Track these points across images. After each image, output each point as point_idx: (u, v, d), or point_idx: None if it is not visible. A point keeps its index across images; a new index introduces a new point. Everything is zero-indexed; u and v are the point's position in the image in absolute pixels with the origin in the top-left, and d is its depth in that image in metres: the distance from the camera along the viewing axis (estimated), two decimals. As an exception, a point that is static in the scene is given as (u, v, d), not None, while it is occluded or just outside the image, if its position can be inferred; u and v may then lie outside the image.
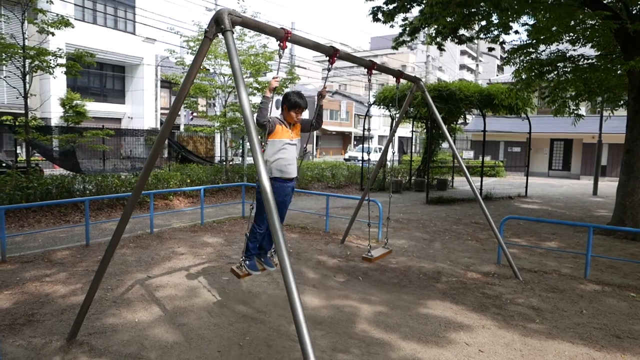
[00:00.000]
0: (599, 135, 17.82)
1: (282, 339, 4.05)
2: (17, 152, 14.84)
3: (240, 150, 17.76)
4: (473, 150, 29.22)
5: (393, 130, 7.46)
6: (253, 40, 14.41)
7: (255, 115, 3.75)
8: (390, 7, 10.60)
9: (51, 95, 19.12)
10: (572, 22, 9.29)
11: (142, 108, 27.66)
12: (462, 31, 11.29)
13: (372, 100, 16.86)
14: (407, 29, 11.34)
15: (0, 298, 4.82)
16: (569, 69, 10.77)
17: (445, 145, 23.17)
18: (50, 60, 10.33)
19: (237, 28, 4.66)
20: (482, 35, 11.26)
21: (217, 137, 24.19)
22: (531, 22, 10.81)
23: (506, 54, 10.97)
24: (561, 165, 27.34)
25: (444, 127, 6.48)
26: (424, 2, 9.79)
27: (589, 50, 10.91)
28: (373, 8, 10.89)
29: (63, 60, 10.86)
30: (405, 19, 11.47)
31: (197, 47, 3.32)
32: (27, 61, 10.13)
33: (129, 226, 7.67)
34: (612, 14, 8.28)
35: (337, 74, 58.55)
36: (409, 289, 5.54)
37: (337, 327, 4.34)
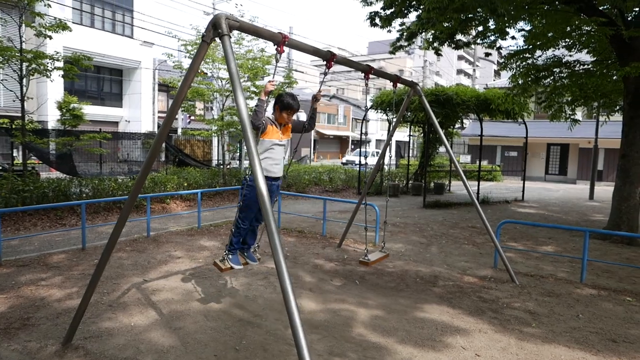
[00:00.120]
0: (595, 140, 17.91)
1: (279, 342, 4.05)
2: (14, 155, 14.81)
3: (238, 154, 17.76)
4: (470, 155, 29.28)
5: (390, 135, 7.48)
6: (251, 45, 14.44)
7: (250, 117, 3.80)
8: (388, 12, 10.65)
9: (48, 99, 19.08)
10: (568, 28, 9.36)
11: (139, 111, 27.65)
12: (459, 36, 11.34)
13: (369, 104, 16.91)
14: (405, 34, 11.38)
15: (-4, 302, 4.80)
16: (565, 75, 10.83)
17: (442, 149, 23.24)
18: (48, 63, 10.32)
19: (235, 32, 4.68)
20: (479, 41, 11.32)
21: (215, 140, 24.22)
22: (527, 27, 10.88)
23: (503, 59, 11.03)
24: (558, 169, 27.44)
25: (441, 132, 6.51)
26: (421, 7, 9.83)
27: (584, 56, 10.98)
28: (371, 13, 10.93)
29: (60, 64, 10.85)
30: (402, 24, 11.52)
31: (195, 51, 3.33)
32: (24, 64, 10.12)
33: (126, 229, 7.66)
34: (608, 21, 8.34)
35: (334, 78, 58.77)
36: (406, 292, 5.54)
37: (334, 331, 4.33)
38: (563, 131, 16.23)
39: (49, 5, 10.41)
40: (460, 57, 75.94)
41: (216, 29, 3.07)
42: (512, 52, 10.53)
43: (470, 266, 6.84)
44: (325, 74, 4.37)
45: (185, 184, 12.36)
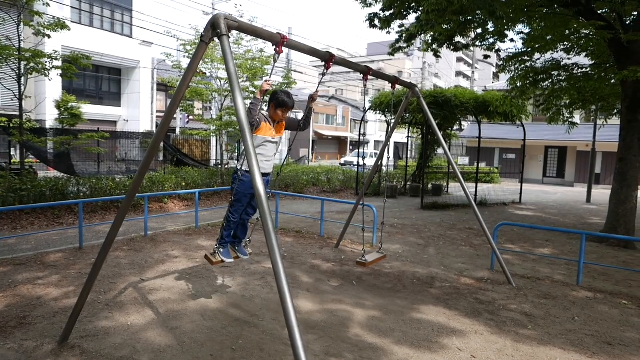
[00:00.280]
0: (593, 143, 17.96)
1: (275, 342, 4.05)
2: (11, 154, 14.78)
3: (236, 154, 17.75)
4: (468, 157, 29.36)
5: (388, 136, 7.49)
6: (250, 45, 14.44)
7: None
8: (387, 13, 10.66)
9: (46, 97, 19.06)
10: (567, 32, 9.40)
11: (138, 111, 27.63)
12: (458, 38, 11.36)
13: (368, 105, 16.92)
14: (404, 35, 11.40)
15: (-8, 300, 4.79)
16: (563, 78, 10.87)
17: (440, 151, 23.28)
18: (46, 62, 10.30)
19: (234, 32, 4.69)
20: (477, 43, 11.35)
21: (213, 140, 24.22)
22: (526, 30, 10.92)
23: (502, 62, 11.06)
24: (555, 172, 27.50)
25: (439, 133, 6.52)
26: (421, 9, 9.85)
27: (583, 59, 11.03)
28: (370, 14, 10.94)
29: (59, 63, 10.84)
30: (401, 25, 11.53)
31: (194, 50, 3.34)
32: (23, 63, 10.11)
33: (123, 229, 7.65)
34: (606, 24, 8.37)
35: (333, 79, 58.80)
36: (403, 294, 5.55)
37: (330, 331, 4.34)
38: (561, 134, 16.29)
39: (48, 4, 10.41)
40: (459, 59, 76.09)
41: (215, 29, 3.07)
42: (511, 54, 10.56)
43: (467, 268, 6.85)
44: (323, 74, 4.39)
45: (183, 184, 12.36)
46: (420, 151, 17.84)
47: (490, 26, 10.38)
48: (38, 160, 15.92)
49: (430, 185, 16.94)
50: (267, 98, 4.69)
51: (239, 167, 4.36)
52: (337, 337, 4.21)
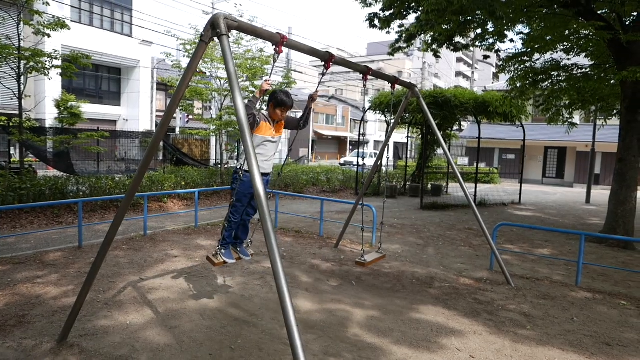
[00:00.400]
0: (593, 143, 17.97)
1: (274, 342, 4.05)
2: (11, 153, 14.78)
3: (236, 154, 17.75)
4: (468, 157, 29.34)
5: (388, 136, 7.49)
6: (250, 44, 14.44)
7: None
8: (387, 13, 10.67)
9: (46, 97, 19.05)
10: (567, 32, 9.39)
11: (137, 110, 27.63)
12: (457, 39, 11.37)
13: (367, 105, 16.92)
14: (404, 35, 11.41)
15: (-9, 299, 4.79)
16: (563, 78, 10.87)
17: (440, 151, 23.29)
18: (46, 61, 10.30)
19: (234, 32, 4.69)
20: (477, 43, 11.35)
21: (213, 140, 24.22)
22: (526, 31, 10.92)
23: (501, 62, 11.06)
24: (555, 173, 27.51)
25: (439, 134, 6.53)
26: (420, 9, 9.86)
27: (582, 60, 11.03)
28: (370, 14, 10.95)
29: (58, 62, 10.83)
30: (401, 25, 11.54)
31: (194, 50, 3.34)
32: (22, 62, 10.10)
33: (123, 228, 7.65)
34: (606, 25, 8.37)
35: (333, 79, 58.79)
36: (402, 294, 5.56)
37: (329, 331, 4.34)
38: (561, 134, 16.30)
39: (48, 4, 10.40)
40: (459, 60, 76.10)
41: (214, 28, 3.07)
42: (511, 55, 10.56)
43: (466, 268, 6.86)
44: (323, 74, 4.39)
45: (183, 183, 12.36)
46: (420, 151, 17.86)
47: (490, 26, 10.39)
48: (38, 160, 15.92)
49: (429, 186, 16.96)
50: (266, 98, 4.70)
51: (238, 167, 4.37)
52: (336, 337, 4.21)
